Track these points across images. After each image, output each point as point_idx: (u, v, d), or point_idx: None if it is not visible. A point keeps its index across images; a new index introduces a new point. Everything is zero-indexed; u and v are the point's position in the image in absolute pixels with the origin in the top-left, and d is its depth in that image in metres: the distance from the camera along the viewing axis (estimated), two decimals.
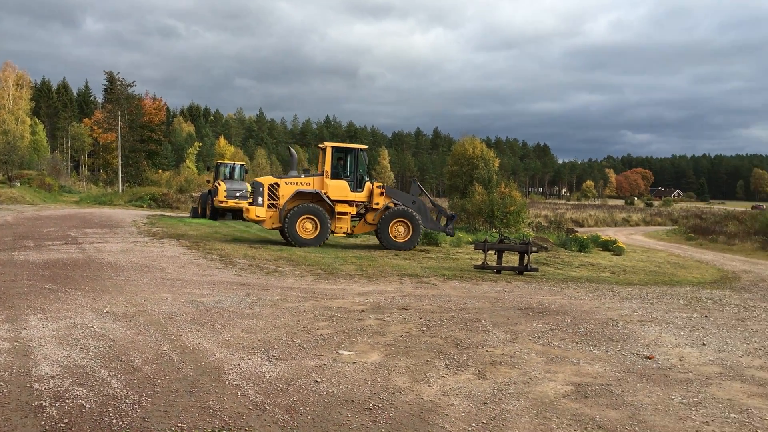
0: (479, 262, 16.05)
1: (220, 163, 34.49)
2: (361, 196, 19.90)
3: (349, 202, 19.78)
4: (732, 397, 6.17)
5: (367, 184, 20.09)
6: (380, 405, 5.53)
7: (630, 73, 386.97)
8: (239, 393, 5.67)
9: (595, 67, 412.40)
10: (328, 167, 19.56)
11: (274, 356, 6.90)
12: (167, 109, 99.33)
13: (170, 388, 5.74)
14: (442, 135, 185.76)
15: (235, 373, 6.22)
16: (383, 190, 20.11)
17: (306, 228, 19.08)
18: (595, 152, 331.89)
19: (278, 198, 19.37)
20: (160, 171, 67.67)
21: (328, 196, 19.41)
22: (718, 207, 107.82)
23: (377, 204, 19.88)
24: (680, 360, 7.53)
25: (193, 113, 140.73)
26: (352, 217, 20.07)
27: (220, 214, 30.90)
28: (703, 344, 8.44)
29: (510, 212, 30.45)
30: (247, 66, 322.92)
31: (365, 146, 20.94)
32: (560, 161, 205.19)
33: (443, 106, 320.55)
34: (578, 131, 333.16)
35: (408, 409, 5.46)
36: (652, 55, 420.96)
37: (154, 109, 66.65)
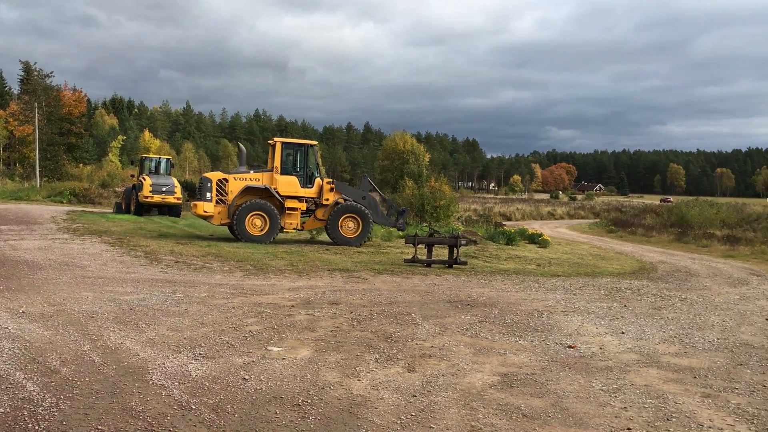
0: (410, 256, 16.18)
1: (145, 157, 33.50)
2: (311, 192, 19.85)
3: (299, 198, 19.69)
4: (649, 383, 6.43)
5: (317, 180, 20.05)
6: (309, 400, 5.50)
7: (554, 71, 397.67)
8: (164, 393, 5.53)
9: (521, 64, 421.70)
10: (277, 163, 19.44)
11: (200, 354, 6.76)
12: (88, 101, 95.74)
13: (90, 390, 5.55)
14: (373, 130, 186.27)
15: (159, 373, 6.06)
16: (333, 186, 20.11)
17: (255, 224, 18.94)
18: (522, 147, 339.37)
19: (227, 194, 19.17)
20: (81, 165, 65.14)
21: (277, 192, 19.27)
22: (637, 200, 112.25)
23: (327, 200, 19.88)
24: (601, 348, 7.80)
25: (116, 106, 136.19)
26: (302, 213, 19.98)
27: (145, 209, 30.04)
28: (622, 333, 8.76)
29: (440, 206, 30.85)
30: (172, 58, 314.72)
31: (315, 142, 20.93)
32: (488, 156, 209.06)
33: (374, 100, 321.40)
34: (506, 127, 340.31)
35: (337, 404, 5.45)
36: (575, 53, 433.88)
37: (74, 101, 64.01)
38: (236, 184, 19.19)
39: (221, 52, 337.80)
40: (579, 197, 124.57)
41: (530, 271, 15.96)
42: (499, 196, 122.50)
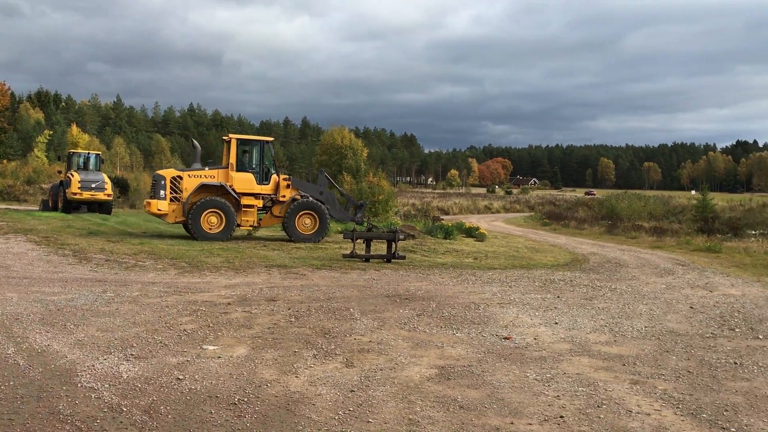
0: (348, 252, 16.16)
1: (73, 152, 32.40)
2: (267, 189, 19.65)
3: (256, 195, 19.49)
4: (581, 371, 6.61)
5: (274, 177, 19.83)
6: (246, 399, 5.42)
7: (490, 66, 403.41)
8: (93, 396, 5.35)
9: (457, 59, 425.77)
10: (233, 160, 19.27)
11: (132, 355, 6.57)
12: (12, 94, 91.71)
13: (15, 394, 5.32)
14: (311, 125, 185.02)
15: (88, 375, 5.86)
16: (290, 182, 19.90)
17: (211, 222, 18.73)
18: (459, 142, 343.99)
19: (181, 191, 18.89)
20: (4, 161, 62.45)
21: (233, 189, 19.05)
22: (570, 194, 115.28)
23: (284, 196, 19.70)
24: (535, 339, 7.97)
25: (41, 99, 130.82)
26: (258, 210, 19.75)
27: (73, 206, 29.05)
28: (556, 323, 8.98)
29: (378, 201, 30.92)
30: (101, 50, 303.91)
31: (271, 138, 20.69)
32: (426, 151, 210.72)
33: (311, 95, 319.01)
34: (443, 122, 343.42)
35: (275, 402, 5.39)
36: (510, 49, 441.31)
37: None
38: (191, 181, 18.94)
39: (152, 44, 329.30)
40: (514, 191, 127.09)
41: (467, 264, 16.17)
42: (437, 191, 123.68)
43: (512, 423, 5.10)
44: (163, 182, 18.91)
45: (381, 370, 6.40)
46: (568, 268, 16.66)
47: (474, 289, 11.82)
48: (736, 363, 7.15)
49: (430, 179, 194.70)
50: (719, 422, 5.25)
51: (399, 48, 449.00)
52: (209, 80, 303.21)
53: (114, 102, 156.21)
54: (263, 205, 19.88)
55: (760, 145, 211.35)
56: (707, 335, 8.60)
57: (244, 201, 19.26)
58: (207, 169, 19.59)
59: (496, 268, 15.52)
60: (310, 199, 19.62)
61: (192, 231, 18.71)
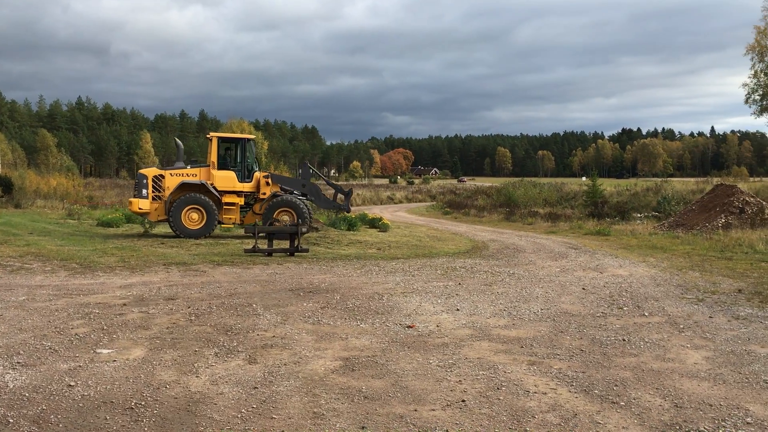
0: (250, 246, 15.89)
1: None
2: (249, 186, 19.49)
3: (238, 193, 19.34)
4: (481, 356, 6.79)
5: (256, 174, 19.60)
6: (143, 402, 5.23)
7: (388, 58, 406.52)
8: None
9: (355, 50, 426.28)
10: (214, 158, 19.29)
11: (19, 363, 6.20)
12: None
13: None
14: (209, 117, 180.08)
15: None
16: (269, 180, 19.60)
17: (192, 218, 18.81)
18: (360, 134, 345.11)
19: (163, 190, 18.94)
20: None
21: (214, 187, 19.01)
22: (469, 183, 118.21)
23: (264, 193, 19.47)
24: (437, 326, 8.12)
25: None
26: (241, 208, 19.47)
27: None
28: (457, 310, 9.18)
29: None
30: None
31: (253, 136, 20.66)
32: (328, 143, 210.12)
33: (207, 87, 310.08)
34: (343, 113, 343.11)
35: (174, 404, 5.23)
36: (407, 40, 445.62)
37: None
38: (172, 180, 19.06)
39: (32, 34, 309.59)
40: (416, 181, 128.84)
41: (371, 255, 16.27)
42: (340, 183, 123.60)
43: (416, 410, 5.17)
44: (145, 181, 19.13)
45: (285, 365, 6.34)
46: (469, 255, 17.08)
47: (378, 280, 11.91)
48: (624, 340, 7.55)
49: (333, 171, 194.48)
50: (610, 397, 5.54)
51: (296, 39, 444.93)
52: (97, 72, 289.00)
53: None
54: (245, 203, 19.69)
55: (644, 132, 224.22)
56: (598, 315, 9.04)
57: (226, 199, 19.21)
58: (189, 167, 19.63)
59: (400, 258, 15.70)
60: (289, 196, 19.21)
61: (173, 228, 18.72)
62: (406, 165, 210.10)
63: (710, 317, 8.86)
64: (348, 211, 21.12)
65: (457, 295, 10.41)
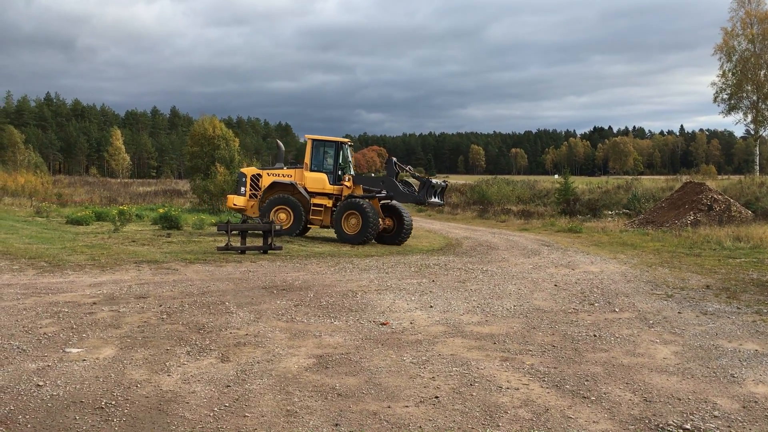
0: (223, 244, 15.76)
1: None
2: (338, 189, 19.39)
3: (328, 195, 19.29)
4: (454, 352, 6.82)
5: (345, 177, 19.49)
6: (114, 402, 5.16)
7: (360, 54, 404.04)
8: None
9: (327, 47, 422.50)
10: (307, 159, 19.58)
11: None
12: None
13: None
14: (181, 114, 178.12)
15: None
16: (351, 182, 19.41)
17: (280, 218, 19.12)
18: (334, 131, 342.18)
19: (260, 188, 19.87)
20: None
21: (304, 188, 19.21)
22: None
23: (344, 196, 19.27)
24: (411, 323, 8.14)
25: None
26: (333, 210, 19.17)
27: None
28: (431, 307, 9.21)
29: None
30: None
31: (347, 140, 20.47)
32: (302, 140, 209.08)
33: (178, 83, 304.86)
34: (317, 110, 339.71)
35: (145, 403, 5.17)
36: (380, 37, 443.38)
37: None
38: (267, 179, 19.85)
39: None
40: None
41: (345, 252, 16.25)
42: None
43: (389, 407, 5.18)
44: (243, 179, 20.26)
45: (258, 363, 6.30)
46: (443, 252, 17.15)
47: (351, 277, 11.90)
48: (595, 335, 7.64)
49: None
50: (581, 392, 5.60)
51: (267, 34, 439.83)
52: (63, 67, 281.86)
53: None
54: (333, 204, 19.45)
55: (615, 130, 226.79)
56: (570, 311, 9.14)
57: (315, 201, 19.28)
58: (286, 168, 20.12)
59: (374, 255, 15.70)
60: (356, 199, 18.62)
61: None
62: (381, 162, 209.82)
63: (679, 313, 9.01)
64: (422, 203, 19.53)
65: (430, 292, 10.44)
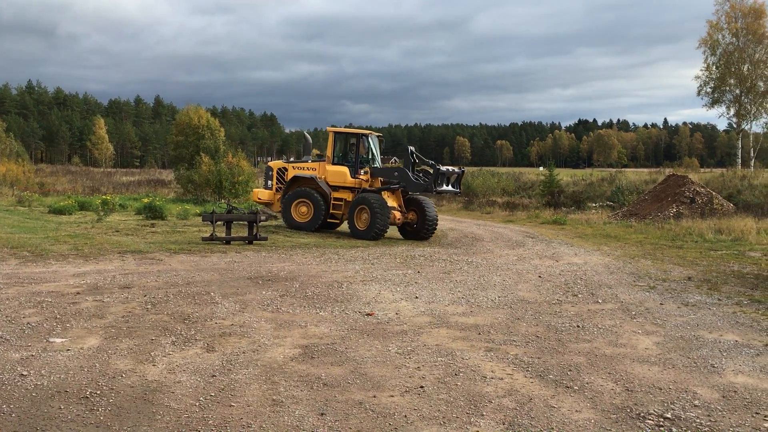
0: (207, 234, 15.71)
1: None
2: (359, 182, 18.71)
3: (351, 189, 18.66)
4: (440, 342, 6.87)
5: (363, 169, 18.90)
6: (99, 392, 5.15)
7: (346, 44, 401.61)
8: None
9: (312, 37, 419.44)
10: (329, 152, 19.23)
11: None
12: None
13: None
14: (165, 103, 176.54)
15: None
16: (367, 175, 18.75)
17: (301, 212, 18.91)
18: (320, 122, 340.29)
19: (285, 182, 19.57)
20: None
21: (325, 182, 18.80)
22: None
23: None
24: (397, 314, 8.18)
25: None
26: None
27: None
28: (416, 297, 9.25)
29: (238, 182, 30.26)
30: None
31: (370, 131, 19.89)
32: (287, 131, 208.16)
33: (162, 72, 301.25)
34: (302, 101, 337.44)
35: (130, 392, 5.16)
36: (365, 27, 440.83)
37: None
38: (291, 173, 19.56)
39: None
40: None
41: (330, 243, 16.25)
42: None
43: (375, 396, 5.21)
44: (270, 173, 20.04)
45: (243, 353, 6.31)
46: (428, 243, 17.20)
47: (337, 268, 11.91)
48: (578, 326, 7.72)
49: (292, 159, 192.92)
50: (564, 382, 5.66)
51: (252, 23, 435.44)
52: (44, 54, 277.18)
53: None
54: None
55: (599, 123, 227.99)
56: (554, 302, 9.22)
57: (336, 195, 18.79)
58: (310, 161, 19.76)
59: (359, 246, 15.72)
60: (366, 194, 18.00)
61: (283, 218, 19.23)
62: None
63: (661, 304, 9.11)
64: (431, 191, 18.25)
65: (416, 283, 10.49)
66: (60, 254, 12.60)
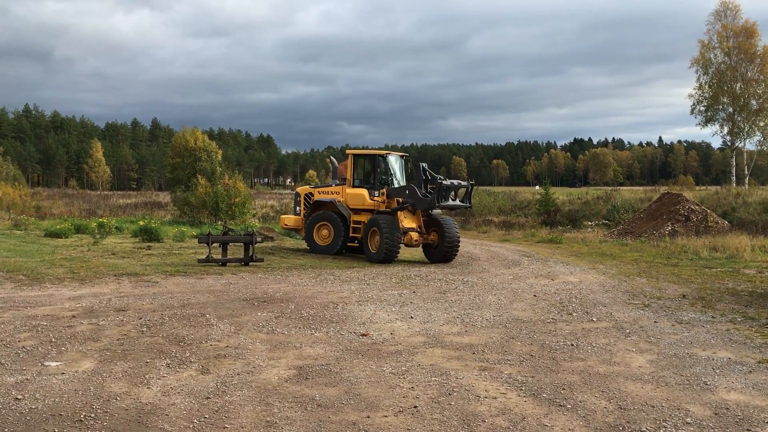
0: (203, 256, 15.73)
1: None
2: (377, 204, 18.30)
3: (371, 211, 18.18)
4: (434, 362, 6.89)
5: (377, 191, 18.47)
6: (93, 414, 5.16)
7: (342, 66, 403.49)
8: None
9: (309, 58, 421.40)
10: (348, 175, 18.99)
11: None
12: None
13: None
14: (162, 126, 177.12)
15: None
16: (383, 197, 18.42)
17: (322, 235, 18.97)
18: (316, 143, 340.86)
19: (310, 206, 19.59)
20: None
21: (345, 205, 18.58)
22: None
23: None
24: (391, 334, 8.20)
25: None
26: None
27: None
28: (411, 317, 9.28)
29: (235, 204, 30.31)
30: None
31: (386, 152, 19.42)
32: (284, 152, 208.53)
33: (158, 95, 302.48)
34: (298, 122, 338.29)
35: (125, 415, 5.17)
36: (361, 48, 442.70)
37: None
38: (317, 197, 19.50)
39: None
40: None
41: (326, 264, 16.28)
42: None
43: (368, 417, 5.23)
44: (298, 199, 20.00)
45: (238, 374, 6.32)
46: (424, 263, 17.24)
47: (333, 289, 11.93)
48: (573, 345, 7.75)
49: (289, 180, 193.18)
50: (557, 400, 5.69)
51: (248, 46, 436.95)
52: (40, 78, 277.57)
53: None
54: None
55: (595, 142, 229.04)
56: (548, 321, 9.24)
57: (355, 217, 18.45)
58: (334, 185, 19.55)
59: (355, 267, 15.75)
60: (373, 216, 17.76)
61: (306, 242, 19.32)
62: None
63: (655, 322, 9.15)
64: (432, 207, 17.96)
65: (411, 303, 10.51)
66: (56, 278, 12.60)
